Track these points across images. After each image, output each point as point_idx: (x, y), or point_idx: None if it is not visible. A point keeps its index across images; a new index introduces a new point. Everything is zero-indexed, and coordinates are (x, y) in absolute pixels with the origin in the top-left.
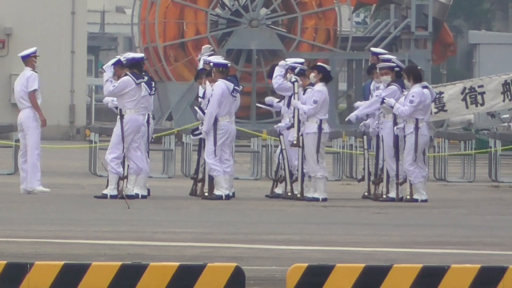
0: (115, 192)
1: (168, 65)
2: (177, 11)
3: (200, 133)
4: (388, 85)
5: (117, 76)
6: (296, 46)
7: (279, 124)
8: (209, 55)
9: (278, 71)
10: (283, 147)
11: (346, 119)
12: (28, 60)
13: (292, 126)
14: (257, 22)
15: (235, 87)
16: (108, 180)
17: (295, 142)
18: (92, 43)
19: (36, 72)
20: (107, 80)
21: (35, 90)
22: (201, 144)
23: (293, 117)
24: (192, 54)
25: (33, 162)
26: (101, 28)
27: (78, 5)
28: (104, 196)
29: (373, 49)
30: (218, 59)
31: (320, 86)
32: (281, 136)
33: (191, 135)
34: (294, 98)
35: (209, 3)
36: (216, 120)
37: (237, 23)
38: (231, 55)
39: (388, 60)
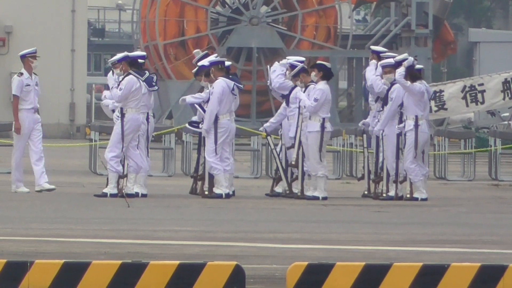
0: (115, 191)
1: (169, 63)
2: (178, 9)
3: (197, 126)
4: (392, 83)
5: (123, 71)
6: (297, 44)
7: (265, 124)
8: (203, 56)
9: (279, 70)
10: (272, 147)
11: (363, 127)
12: (24, 60)
13: (292, 146)
14: (257, 20)
15: (236, 85)
16: (108, 178)
17: (293, 162)
18: (129, 41)
19: (20, 74)
20: (112, 88)
21: (15, 96)
22: (200, 142)
23: (298, 117)
24: (192, 52)
25: (12, 162)
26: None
27: (78, 3)
28: (104, 195)
29: (373, 47)
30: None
31: (321, 85)
32: (268, 137)
33: (187, 125)
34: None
35: (209, 1)
36: (216, 118)
37: (237, 21)
38: (231, 53)
39: (389, 58)
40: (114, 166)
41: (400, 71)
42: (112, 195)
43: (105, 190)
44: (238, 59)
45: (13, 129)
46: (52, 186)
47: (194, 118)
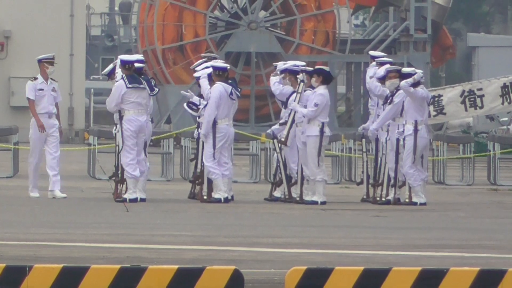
0: (134, 196)
1: (167, 68)
2: (176, 13)
3: (193, 109)
4: (397, 89)
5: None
6: (295, 48)
7: (274, 127)
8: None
9: (274, 79)
10: (278, 151)
11: (363, 132)
12: (40, 64)
13: (285, 123)
14: (256, 24)
15: (234, 90)
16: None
17: (283, 139)
18: None
19: (34, 79)
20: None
21: (28, 99)
22: (199, 147)
23: (288, 115)
24: (191, 57)
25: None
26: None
27: (77, 7)
28: (124, 200)
29: (371, 52)
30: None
31: (322, 90)
32: (275, 140)
33: (184, 105)
34: (295, 100)
35: (208, 6)
36: (214, 123)
37: (236, 26)
38: (230, 58)
39: (386, 63)
40: (129, 171)
41: (408, 80)
42: (131, 200)
43: (124, 196)
44: (237, 63)
45: (30, 134)
46: (64, 195)
47: (195, 100)
